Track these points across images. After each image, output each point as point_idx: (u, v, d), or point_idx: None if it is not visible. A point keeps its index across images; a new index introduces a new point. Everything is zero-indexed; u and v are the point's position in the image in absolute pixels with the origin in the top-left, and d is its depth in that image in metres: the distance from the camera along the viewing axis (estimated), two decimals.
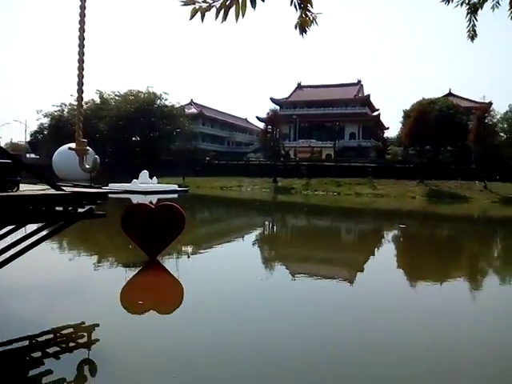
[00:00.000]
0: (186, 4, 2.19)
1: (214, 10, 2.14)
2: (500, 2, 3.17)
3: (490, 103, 43.83)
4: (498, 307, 6.59)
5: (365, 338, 4.95)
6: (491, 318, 5.95)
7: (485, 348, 4.80)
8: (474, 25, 3.47)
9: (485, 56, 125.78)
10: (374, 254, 11.70)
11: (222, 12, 2.13)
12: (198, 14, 2.14)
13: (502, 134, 46.75)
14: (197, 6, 2.14)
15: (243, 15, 2.12)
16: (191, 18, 2.27)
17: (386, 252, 12.00)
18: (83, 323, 4.92)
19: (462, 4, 3.27)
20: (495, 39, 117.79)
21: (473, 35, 3.52)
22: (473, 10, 3.37)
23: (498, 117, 44.49)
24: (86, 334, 4.68)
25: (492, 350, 4.77)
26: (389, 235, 15.44)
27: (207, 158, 56.42)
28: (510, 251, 13.60)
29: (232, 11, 2.12)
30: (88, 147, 5.72)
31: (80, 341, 4.50)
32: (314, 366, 4.14)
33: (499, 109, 51.54)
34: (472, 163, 42.86)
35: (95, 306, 5.75)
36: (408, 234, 16.07)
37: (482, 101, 45.66)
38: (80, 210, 4.73)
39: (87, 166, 5.65)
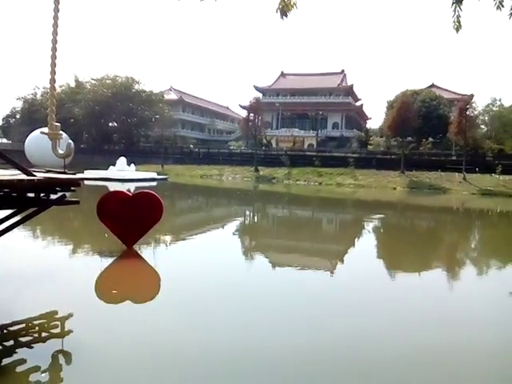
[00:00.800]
0: None
1: None
2: None
3: (472, 95, 44.52)
4: (481, 296, 6.69)
5: (349, 328, 4.93)
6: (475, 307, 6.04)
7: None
8: (459, 15, 3.47)
9: (468, 48, 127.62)
10: (353, 245, 11.78)
11: None
12: None
13: (482, 127, 47.65)
14: None
15: None
16: None
17: (366, 242, 12.09)
18: (56, 313, 4.81)
19: None
20: (478, 32, 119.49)
21: (458, 26, 3.52)
22: (458, 0, 3.35)
23: (479, 109, 45.29)
24: (59, 323, 4.58)
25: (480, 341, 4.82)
26: (369, 226, 15.59)
27: (191, 146, 55.76)
28: (487, 241, 13.93)
29: None
30: (61, 132, 5.49)
31: (53, 331, 4.39)
32: (291, 354, 4.12)
33: (480, 101, 52.62)
34: (452, 155, 43.63)
35: (69, 295, 5.59)
36: (388, 225, 16.26)
37: (464, 93, 46.46)
38: (53, 197, 4.56)
39: (60, 152, 5.42)
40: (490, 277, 8.36)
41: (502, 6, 3.31)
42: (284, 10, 2.81)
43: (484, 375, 3.98)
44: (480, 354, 4.45)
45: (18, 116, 61.61)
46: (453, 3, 3.41)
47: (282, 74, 68.96)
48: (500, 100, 48.68)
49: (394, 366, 4.09)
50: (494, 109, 48.05)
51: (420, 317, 5.42)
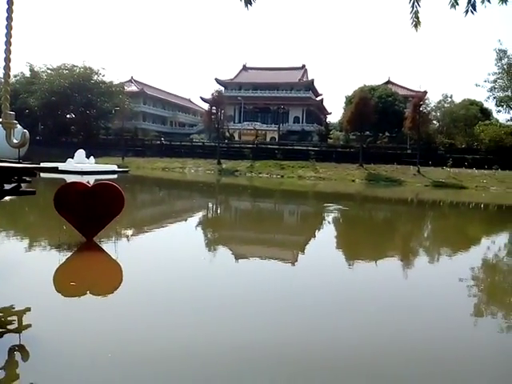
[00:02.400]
0: None
1: None
2: None
3: (426, 92, 46.28)
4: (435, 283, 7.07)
5: (309, 319, 5.07)
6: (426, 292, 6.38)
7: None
8: (418, 11, 3.43)
9: (422, 46, 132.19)
10: (314, 235, 12.05)
11: None
12: None
13: (434, 122, 49.63)
14: None
15: None
16: None
17: (326, 233, 12.40)
18: (13, 307, 4.65)
19: None
20: (431, 30, 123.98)
21: (416, 23, 3.48)
22: None
23: (432, 105, 47.17)
24: (16, 318, 4.44)
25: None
26: (329, 217, 15.98)
27: (158, 140, 54.43)
28: (437, 229, 14.67)
29: None
30: (15, 121, 5.28)
31: (10, 326, 4.24)
32: (249, 344, 4.20)
33: (433, 98, 54.73)
34: (407, 149, 45.32)
35: (26, 289, 5.41)
36: (347, 216, 16.73)
37: (419, 89, 48.22)
38: (7, 187, 4.40)
39: (15, 141, 5.21)
40: (442, 264, 8.81)
41: (457, 4, 3.32)
42: None
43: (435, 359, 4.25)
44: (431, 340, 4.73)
45: None
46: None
47: (244, 68, 68.82)
48: (451, 97, 51.00)
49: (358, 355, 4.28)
50: (446, 105, 50.19)
51: (375, 304, 5.65)
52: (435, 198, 27.13)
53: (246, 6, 2.73)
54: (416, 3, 3.37)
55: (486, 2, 3.12)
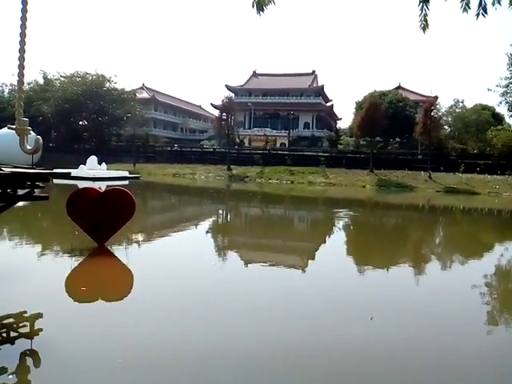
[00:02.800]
0: None
1: None
2: None
3: (437, 97, 46.04)
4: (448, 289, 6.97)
5: (322, 325, 5.03)
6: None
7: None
8: (426, 14, 3.44)
9: (432, 51, 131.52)
10: (326, 242, 11.98)
11: None
12: None
13: (446, 127, 49.22)
14: None
15: None
16: None
17: (337, 239, 12.30)
18: (25, 312, 4.67)
19: None
20: (441, 35, 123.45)
21: (425, 26, 3.50)
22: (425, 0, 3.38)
23: (443, 110, 46.80)
24: (28, 323, 4.45)
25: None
26: (340, 223, 15.89)
27: (169, 146, 54.73)
28: (450, 236, 14.48)
29: None
30: (29, 127, 5.37)
31: (22, 330, 4.27)
32: (267, 353, 4.17)
33: (444, 103, 54.28)
34: (418, 154, 44.94)
35: (39, 294, 5.47)
36: (359, 222, 16.61)
37: (429, 94, 47.93)
38: (20, 192, 4.46)
39: (29, 147, 5.29)
40: (454, 271, 8.69)
41: (469, 8, 3.32)
42: (261, 5, 2.74)
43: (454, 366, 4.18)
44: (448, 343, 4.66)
45: None
46: (420, 2, 3.41)
47: (254, 74, 69.14)
48: (462, 101, 50.50)
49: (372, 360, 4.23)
50: (457, 110, 49.75)
51: (390, 311, 5.60)
52: (447, 204, 26.82)
53: (258, 12, 2.73)
54: (425, 6, 3.38)
55: (497, 4, 3.11)
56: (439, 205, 26.72)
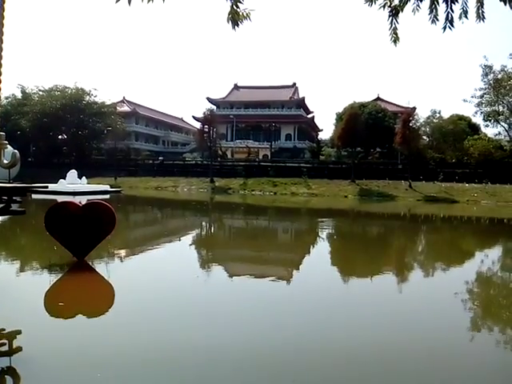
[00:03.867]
0: None
1: None
2: (420, 5, 3.32)
3: (414, 108, 47.05)
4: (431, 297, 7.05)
5: (306, 334, 5.04)
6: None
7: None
8: (396, 28, 3.54)
9: (409, 62, 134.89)
10: (309, 252, 12.00)
11: None
12: None
13: (424, 138, 50.30)
14: None
15: None
16: (117, 1, 2.20)
17: (321, 250, 12.37)
18: (3, 330, 4.57)
19: (384, 6, 3.40)
20: (418, 46, 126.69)
21: (395, 38, 3.60)
22: (394, 13, 3.47)
23: (421, 121, 47.83)
24: (6, 341, 4.36)
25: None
26: (323, 233, 15.98)
27: (156, 160, 54.22)
28: (431, 244, 14.72)
29: None
30: (6, 142, 5.28)
31: (1, 348, 4.19)
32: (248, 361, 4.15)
33: (422, 113, 55.47)
34: (398, 164, 45.74)
35: (17, 311, 5.33)
36: (342, 232, 16.74)
37: (407, 105, 48.98)
38: None
39: (5, 162, 5.20)
40: (437, 278, 8.82)
41: (437, 20, 3.41)
42: (235, 20, 2.79)
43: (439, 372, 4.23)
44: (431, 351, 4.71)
45: None
46: (389, 16, 3.50)
47: (236, 87, 69.63)
48: (439, 112, 51.65)
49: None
50: (435, 120, 50.92)
51: (374, 319, 5.63)
52: (428, 213, 27.28)
53: (234, 27, 2.79)
54: (394, 20, 3.49)
55: (464, 19, 3.23)
56: (420, 213, 27.16)
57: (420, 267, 10.28)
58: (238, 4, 2.79)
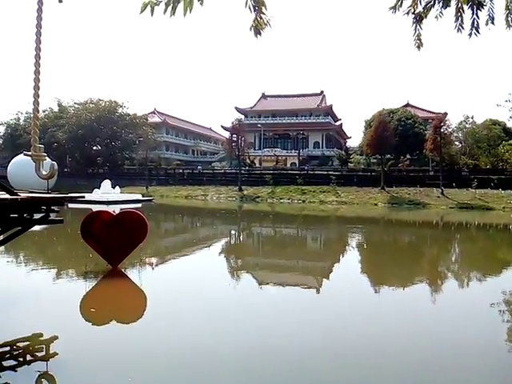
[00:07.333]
0: None
1: (162, 6, 2.21)
2: (443, 12, 3.33)
3: (446, 113, 45.88)
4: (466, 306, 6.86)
5: (333, 344, 5.01)
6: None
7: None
8: (420, 34, 3.59)
9: (440, 67, 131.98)
10: (340, 261, 11.88)
11: (170, 7, 2.20)
12: (149, 9, 2.20)
13: (456, 143, 48.95)
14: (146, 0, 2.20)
15: (190, 10, 2.20)
16: (141, 12, 2.32)
17: (352, 258, 12.21)
18: (41, 335, 4.75)
19: (408, 13, 3.42)
20: (449, 50, 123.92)
21: (419, 44, 3.64)
22: (418, 20, 3.51)
23: (453, 126, 46.60)
24: (44, 346, 4.52)
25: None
26: (354, 242, 15.78)
27: (181, 169, 55.32)
28: (466, 253, 14.26)
29: (180, 7, 2.19)
30: (45, 153, 5.55)
31: (38, 354, 4.34)
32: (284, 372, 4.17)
33: (454, 119, 53.96)
34: (430, 171, 44.63)
35: (54, 317, 5.54)
36: (373, 240, 16.46)
37: (438, 111, 47.85)
38: (36, 216, 4.60)
39: (44, 173, 5.47)
40: (472, 289, 8.55)
41: (463, 28, 3.43)
42: (258, 29, 2.86)
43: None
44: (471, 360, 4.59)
45: (0, 141, 60.85)
46: (413, 23, 3.54)
47: (263, 96, 70.06)
48: (472, 117, 50.20)
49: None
50: (467, 126, 49.49)
51: (409, 329, 5.53)
52: (461, 220, 26.45)
53: (256, 35, 2.88)
54: (418, 26, 3.52)
55: (490, 25, 3.20)
56: (454, 221, 26.37)
57: (454, 277, 9.98)
58: (261, 15, 2.88)
